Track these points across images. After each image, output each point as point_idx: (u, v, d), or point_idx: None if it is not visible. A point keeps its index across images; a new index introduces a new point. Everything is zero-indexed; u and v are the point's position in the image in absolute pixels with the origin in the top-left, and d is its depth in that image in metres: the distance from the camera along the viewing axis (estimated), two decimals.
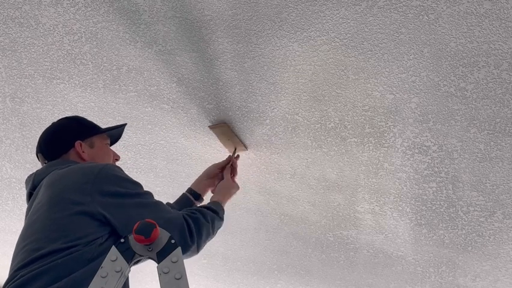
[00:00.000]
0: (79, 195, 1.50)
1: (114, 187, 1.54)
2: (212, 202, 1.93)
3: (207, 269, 3.24)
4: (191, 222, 1.62)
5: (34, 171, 1.76)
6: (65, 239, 1.44)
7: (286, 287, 3.22)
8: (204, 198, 2.14)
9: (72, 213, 1.48)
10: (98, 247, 1.45)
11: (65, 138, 1.77)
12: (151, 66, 2.05)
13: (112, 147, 1.92)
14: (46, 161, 1.77)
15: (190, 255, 1.66)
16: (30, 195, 1.70)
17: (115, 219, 1.50)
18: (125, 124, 1.99)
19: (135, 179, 1.68)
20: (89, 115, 2.32)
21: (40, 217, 1.53)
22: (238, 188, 2.15)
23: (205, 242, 1.69)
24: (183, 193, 2.12)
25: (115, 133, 1.94)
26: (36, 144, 1.84)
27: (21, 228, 1.62)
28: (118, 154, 1.92)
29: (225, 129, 2.21)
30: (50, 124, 1.87)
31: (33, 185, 1.69)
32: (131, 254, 1.25)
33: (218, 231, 1.81)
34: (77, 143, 1.76)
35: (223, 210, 1.91)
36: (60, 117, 1.96)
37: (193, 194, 2.10)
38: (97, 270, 1.23)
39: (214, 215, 1.79)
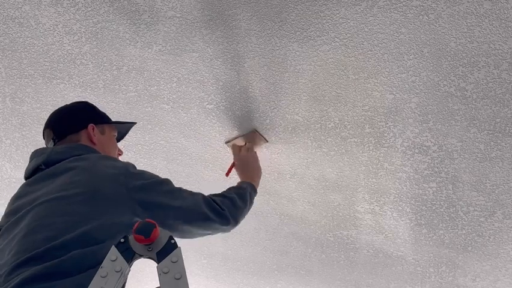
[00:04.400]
0: (116, 188, 1.49)
1: (140, 181, 1.56)
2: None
3: (207, 269, 3.24)
4: (214, 197, 1.78)
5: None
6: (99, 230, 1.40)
7: (286, 287, 3.22)
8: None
9: (111, 205, 1.46)
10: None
11: (80, 118, 1.76)
12: (151, 66, 2.05)
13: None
14: (54, 138, 1.72)
15: (229, 226, 1.80)
16: (36, 170, 1.62)
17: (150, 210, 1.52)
18: (135, 123, 2.01)
19: None
20: None
21: (67, 202, 1.44)
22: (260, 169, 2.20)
23: (241, 210, 1.86)
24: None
25: (123, 129, 1.95)
26: (36, 144, 1.84)
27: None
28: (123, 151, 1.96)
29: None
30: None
31: (48, 161, 1.60)
32: (131, 254, 1.25)
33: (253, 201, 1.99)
34: (91, 126, 1.75)
35: (248, 184, 2.03)
36: None
37: None
38: None
39: (239, 190, 1.94)
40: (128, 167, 1.58)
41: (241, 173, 2.14)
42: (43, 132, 1.79)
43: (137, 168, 1.65)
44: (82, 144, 1.70)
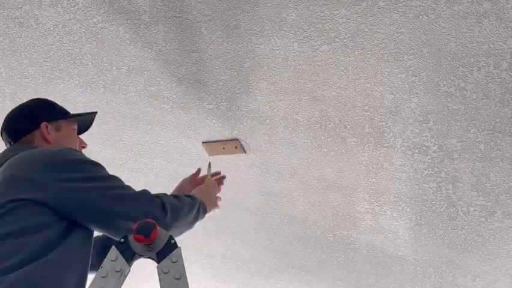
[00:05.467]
0: (29, 184, 1.42)
1: (68, 173, 1.46)
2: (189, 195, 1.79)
3: (207, 269, 3.24)
4: (162, 197, 1.56)
5: None
6: (12, 226, 1.36)
7: (286, 287, 3.22)
8: None
9: (22, 202, 1.40)
10: (57, 237, 1.38)
11: (30, 118, 1.69)
12: (151, 66, 2.05)
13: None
14: (9, 140, 1.69)
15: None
16: None
17: (65, 205, 1.42)
18: (96, 112, 1.89)
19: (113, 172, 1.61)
20: None
21: None
22: (217, 204, 1.94)
23: (177, 221, 1.57)
24: None
25: (85, 120, 1.85)
26: None
27: None
28: (85, 142, 1.83)
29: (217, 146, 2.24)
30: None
31: None
32: (131, 254, 1.25)
33: (197, 222, 1.70)
34: (43, 124, 1.67)
35: (202, 204, 1.75)
36: None
37: None
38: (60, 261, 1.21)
39: (192, 201, 1.68)
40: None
41: (200, 193, 1.89)
42: (1, 135, 1.74)
43: (138, 168, 1.63)
44: (28, 142, 1.65)
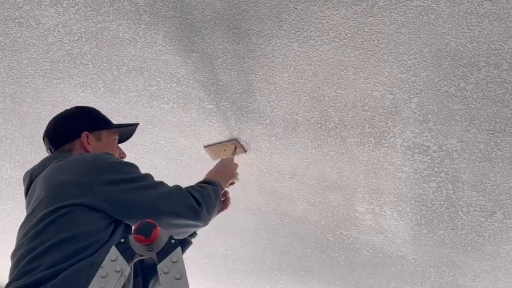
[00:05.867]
0: (77, 189, 1.49)
1: (111, 175, 1.53)
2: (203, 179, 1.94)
3: (207, 269, 3.24)
4: (192, 190, 1.68)
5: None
6: (65, 233, 1.43)
7: (286, 287, 3.22)
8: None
9: (72, 207, 1.46)
10: (106, 238, 1.45)
11: (72, 126, 1.74)
12: (151, 66, 2.05)
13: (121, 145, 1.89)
14: (51, 147, 1.73)
15: (203, 222, 1.68)
16: (27, 191, 1.67)
17: (115, 207, 1.49)
18: (138, 124, 1.95)
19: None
20: None
21: (38, 213, 1.50)
22: (234, 174, 2.11)
23: (214, 208, 1.73)
24: None
25: (126, 131, 1.90)
26: (36, 144, 1.84)
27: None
28: (125, 152, 1.89)
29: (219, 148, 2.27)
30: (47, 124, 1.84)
31: (30, 179, 1.65)
32: (131, 254, 1.25)
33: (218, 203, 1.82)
34: (84, 134, 1.72)
35: (216, 182, 1.88)
36: None
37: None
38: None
39: (210, 186, 1.82)
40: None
41: (214, 172, 2.06)
42: (43, 139, 1.79)
43: (140, 169, 1.65)
44: (68, 151, 1.70)
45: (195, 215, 1.63)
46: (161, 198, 1.59)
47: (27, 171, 1.72)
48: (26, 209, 1.63)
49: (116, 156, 1.79)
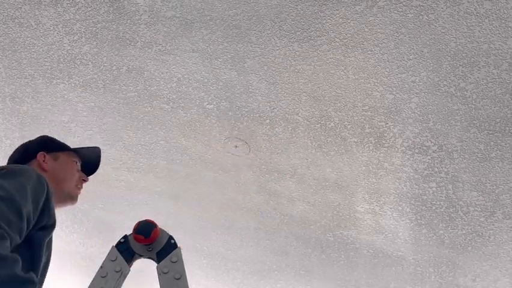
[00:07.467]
0: None
1: None
2: None
3: (207, 269, 3.24)
4: None
5: None
6: None
7: (286, 287, 3.22)
8: None
9: None
10: None
11: (30, 147, 1.76)
12: (151, 66, 2.05)
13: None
14: None
15: None
16: None
17: None
18: (98, 147, 1.86)
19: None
20: (89, 115, 2.32)
21: None
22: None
23: None
24: None
25: (87, 154, 1.83)
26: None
27: None
28: (87, 177, 1.75)
29: None
30: (47, 124, 1.83)
31: None
32: (130, 254, 1.25)
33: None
34: (41, 154, 1.72)
35: None
36: (60, 117, 1.95)
37: None
38: None
39: None
40: None
41: None
42: None
43: (138, 168, 1.64)
44: None
45: None
46: None
47: None
48: None
49: (75, 177, 1.73)
